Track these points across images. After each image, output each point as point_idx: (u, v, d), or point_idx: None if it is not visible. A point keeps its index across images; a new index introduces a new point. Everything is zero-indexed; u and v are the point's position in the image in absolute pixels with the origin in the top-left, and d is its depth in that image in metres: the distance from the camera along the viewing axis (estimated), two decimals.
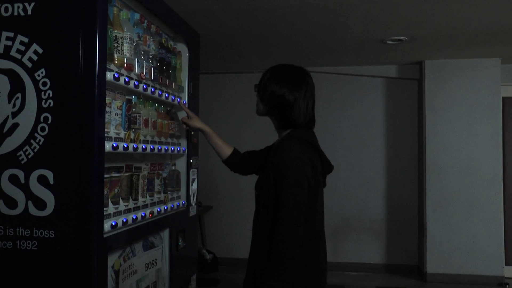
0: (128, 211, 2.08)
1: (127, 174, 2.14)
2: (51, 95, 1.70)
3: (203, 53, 3.32)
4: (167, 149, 2.42)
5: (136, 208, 2.17)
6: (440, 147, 5.10)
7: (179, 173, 2.62)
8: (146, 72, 2.18)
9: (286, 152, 1.66)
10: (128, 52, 1.99)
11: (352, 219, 5.55)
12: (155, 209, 2.29)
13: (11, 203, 1.71)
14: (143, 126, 2.18)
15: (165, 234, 2.44)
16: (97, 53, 1.68)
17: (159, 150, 2.31)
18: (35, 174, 1.69)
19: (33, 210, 1.70)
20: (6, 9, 1.75)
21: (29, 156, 1.70)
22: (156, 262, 2.34)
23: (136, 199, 2.16)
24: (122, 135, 1.99)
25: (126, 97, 2.10)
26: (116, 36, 1.91)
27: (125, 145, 1.97)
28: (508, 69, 5.25)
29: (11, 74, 1.73)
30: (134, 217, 2.05)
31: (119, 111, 2.00)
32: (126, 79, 1.98)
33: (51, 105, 1.70)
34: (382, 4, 3.36)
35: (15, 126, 1.72)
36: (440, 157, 5.09)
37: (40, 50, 1.71)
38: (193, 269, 2.82)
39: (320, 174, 1.75)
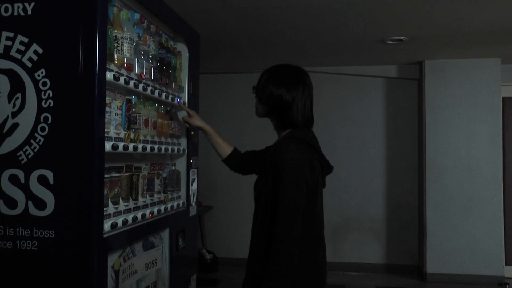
0: (128, 211, 2.08)
1: (127, 174, 2.14)
2: (51, 95, 1.70)
3: (203, 53, 3.32)
4: (167, 149, 2.42)
5: (136, 208, 2.17)
6: (440, 147, 5.10)
7: (179, 173, 2.62)
8: (146, 72, 2.18)
9: (284, 152, 1.66)
10: (128, 52, 1.99)
11: (352, 219, 5.55)
12: (155, 209, 2.28)
13: (11, 203, 1.71)
14: (143, 126, 2.18)
15: (165, 234, 2.44)
16: (97, 53, 1.68)
17: (159, 150, 2.31)
18: (35, 174, 1.69)
19: (33, 210, 1.70)
20: (6, 9, 1.75)
21: (29, 156, 1.70)
22: (156, 262, 2.34)
23: (136, 199, 2.16)
24: (122, 135, 1.99)
25: (126, 97, 2.10)
26: (116, 36, 1.91)
27: (125, 145, 1.97)
28: (508, 69, 5.25)
29: (11, 74, 1.73)
30: (134, 217, 2.05)
31: (119, 111, 2.00)
32: (126, 79, 1.98)
33: (51, 105, 1.70)
34: (382, 4, 3.36)
35: (15, 126, 1.72)
36: (440, 157, 5.09)
37: (40, 50, 1.71)
38: (193, 269, 2.82)
39: (319, 175, 1.75)
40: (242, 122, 5.68)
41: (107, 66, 1.81)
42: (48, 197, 1.68)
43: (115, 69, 1.92)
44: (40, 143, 1.70)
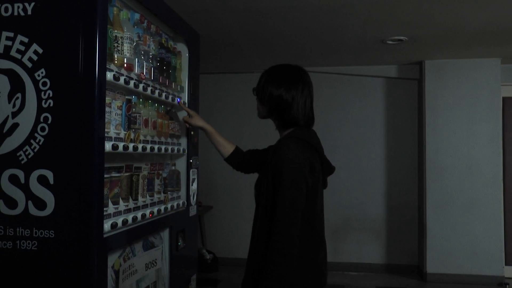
0: (128, 211, 2.08)
1: (127, 174, 2.14)
2: (51, 95, 1.70)
3: (203, 53, 3.32)
4: (167, 149, 2.42)
5: (136, 208, 2.17)
6: (440, 147, 5.10)
7: (179, 173, 2.62)
8: (146, 72, 2.18)
9: (284, 152, 1.66)
10: (128, 52, 1.99)
11: (352, 219, 5.55)
12: (155, 209, 2.28)
13: (11, 203, 1.71)
14: (143, 126, 2.18)
15: (165, 234, 2.44)
16: (97, 53, 1.68)
17: (159, 150, 2.31)
18: (35, 174, 1.69)
19: (33, 210, 1.70)
20: (6, 9, 1.75)
21: (29, 156, 1.70)
22: (156, 262, 2.34)
23: (136, 199, 2.16)
24: (122, 135, 1.99)
25: (126, 97, 2.10)
26: (116, 36, 1.91)
27: (125, 145, 1.97)
28: (508, 69, 5.25)
29: (11, 74, 1.73)
30: (134, 217, 2.04)
31: (119, 111, 2.00)
32: (126, 79, 1.98)
33: (51, 105, 1.70)
34: (382, 4, 3.36)
35: (15, 126, 1.72)
36: (440, 157, 5.09)
37: (40, 50, 1.71)
38: (193, 269, 2.82)
39: (319, 175, 1.74)
40: (242, 122, 5.68)
41: (107, 66, 1.81)
42: (48, 197, 1.68)
43: (115, 69, 1.92)
44: (40, 143, 1.70)
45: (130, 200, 2.12)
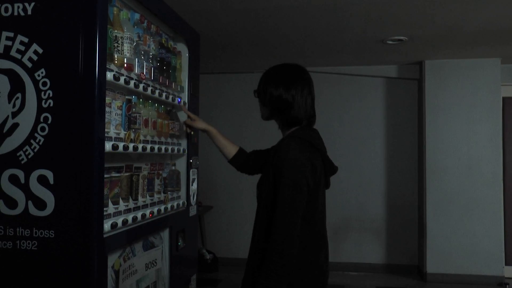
0: (128, 211, 2.08)
1: (127, 174, 2.14)
2: (51, 95, 1.70)
3: (203, 53, 3.32)
4: (167, 149, 2.42)
5: (136, 208, 2.17)
6: (440, 147, 5.10)
7: (179, 173, 2.62)
8: (146, 72, 2.18)
9: (285, 152, 1.66)
10: (128, 52, 1.99)
11: (352, 219, 5.55)
12: (155, 209, 2.28)
13: (11, 203, 1.71)
14: (143, 126, 2.18)
15: (165, 234, 2.44)
16: (97, 53, 1.68)
17: (159, 150, 2.31)
18: (35, 174, 1.69)
19: (33, 210, 1.70)
20: (6, 9, 1.75)
21: (29, 156, 1.70)
22: (156, 262, 2.34)
23: (136, 199, 2.16)
24: (122, 135, 1.99)
25: (126, 97, 2.10)
26: (116, 36, 1.91)
27: (125, 145, 1.97)
28: (508, 69, 5.25)
29: (11, 74, 1.73)
30: (134, 217, 2.04)
31: (119, 111, 2.00)
32: (126, 79, 1.98)
33: (51, 105, 1.69)
34: (382, 4, 3.36)
35: (15, 126, 1.72)
36: (440, 157, 5.09)
37: (40, 50, 1.71)
38: (193, 269, 2.82)
39: (321, 175, 1.74)
40: (242, 122, 5.68)
41: (107, 66, 1.81)
42: (48, 197, 1.68)
43: (115, 69, 1.92)
44: (40, 143, 1.70)
45: (130, 200, 2.12)
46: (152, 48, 2.26)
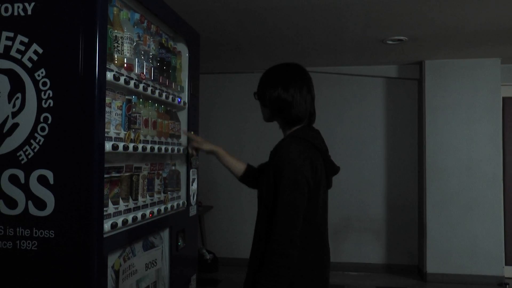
0: (128, 211, 2.08)
1: (127, 174, 2.14)
2: (51, 95, 1.70)
3: (203, 53, 3.32)
4: (167, 149, 2.42)
5: (136, 208, 2.16)
6: (440, 147, 5.10)
7: (179, 173, 2.62)
8: (146, 72, 2.18)
9: (286, 152, 1.65)
10: (128, 52, 1.99)
11: (352, 219, 5.55)
12: (155, 209, 2.28)
13: (11, 203, 1.71)
14: (143, 126, 2.18)
15: (165, 234, 2.44)
16: (97, 53, 1.68)
17: (159, 150, 2.31)
18: (35, 174, 1.69)
19: (33, 210, 1.70)
20: (6, 9, 1.75)
21: (29, 156, 1.70)
22: (156, 262, 2.34)
23: (136, 199, 2.16)
24: (122, 135, 1.99)
25: (126, 97, 2.10)
26: (116, 36, 1.91)
27: (125, 145, 1.97)
28: (508, 69, 5.25)
29: (11, 74, 1.73)
30: (134, 217, 2.04)
31: (119, 111, 2.00)
32: (126, 79, 1.98)
33: (51, 105, 1.69)
34: (382, 4, 3.36)
35: (15, 126, 1.72)
36: (440, 157, 5.09)
37: (40, 50, 1.71)
38: (193, 269, 2.82)
39: (322, 175, 1.73)
40: (242, 122, 5.68)
41: (107, 66, 1.81)
42: (48, 197, 1.68)
43: (115, 69, 1.92)
44: (40, 143, 1.70)
45: (130, 200, 2.12)
46: (152, 48, 2.26)
